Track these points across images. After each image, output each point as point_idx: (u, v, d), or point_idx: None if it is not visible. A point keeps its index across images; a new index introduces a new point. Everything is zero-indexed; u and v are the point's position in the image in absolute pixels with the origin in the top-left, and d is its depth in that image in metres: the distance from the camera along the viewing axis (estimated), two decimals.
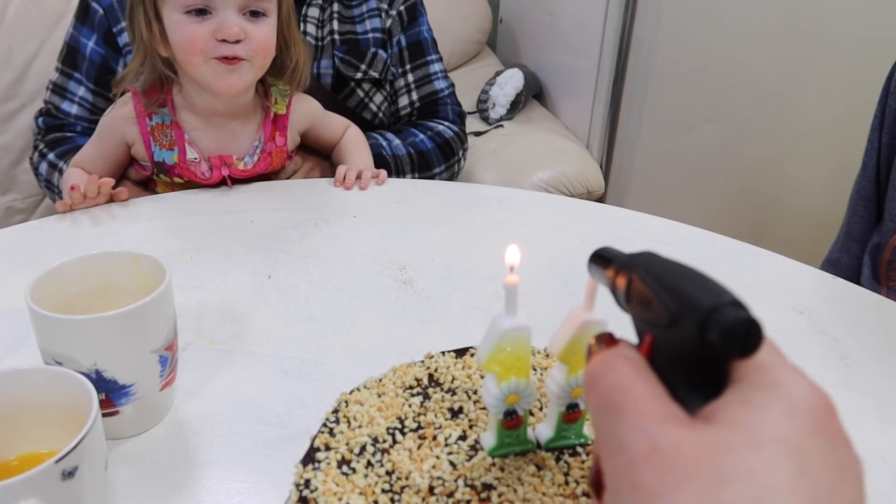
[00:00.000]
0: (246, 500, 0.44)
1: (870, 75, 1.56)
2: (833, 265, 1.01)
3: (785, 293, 0.72)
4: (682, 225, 0.84)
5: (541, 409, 0.37)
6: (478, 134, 1.55)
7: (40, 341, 0.44)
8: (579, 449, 0.35)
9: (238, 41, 0.77)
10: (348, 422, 0.37)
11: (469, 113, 1.63)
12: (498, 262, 0.74)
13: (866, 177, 0.95)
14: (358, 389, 0.40)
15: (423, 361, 0.43)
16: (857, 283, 0.96)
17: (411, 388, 0.40)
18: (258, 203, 0.83)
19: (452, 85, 1.17)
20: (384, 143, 1.04)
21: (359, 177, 0.88)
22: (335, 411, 0.38)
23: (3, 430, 0.38)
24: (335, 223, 0.79)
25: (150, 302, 0.45)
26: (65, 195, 0.79)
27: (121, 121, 0.85)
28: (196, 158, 0.84)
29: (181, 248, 0.73)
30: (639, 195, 1.54)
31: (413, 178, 1.08)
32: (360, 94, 1.08)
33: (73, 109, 1.04)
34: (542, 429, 0.35)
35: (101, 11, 1.03)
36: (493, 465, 0.34)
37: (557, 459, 0.34)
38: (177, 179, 0.85)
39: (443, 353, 0.43)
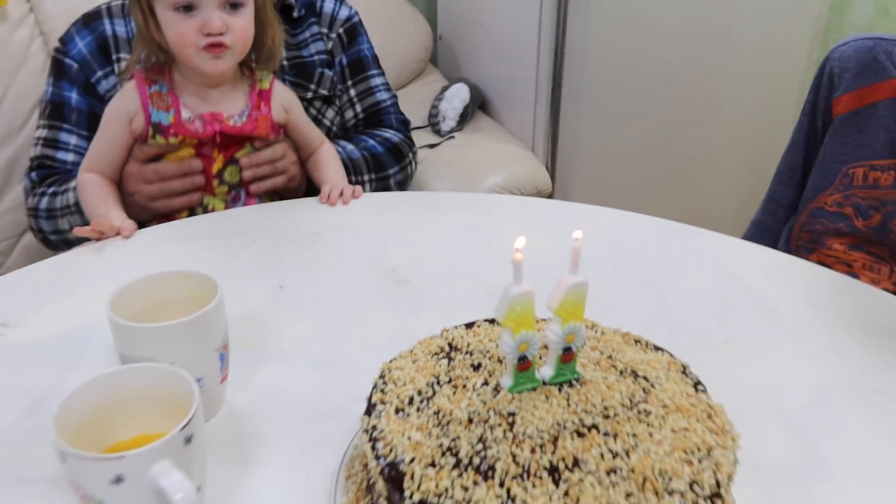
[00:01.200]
0: (305, 465, 0.54)
1: (775, 68, 1.75)
2: (758, 226, 1.15)
3: (718, 262, 0.86)
4: (625, 212, 0.97)
5: (540, 357, 0.48)
6: (432, 146, 1.66)
7: (122, 348, 0.53)
8: (574, 382, 0.47)
9: (221, 33, 0.88)
10: (394, 383, 0.48)
11: (421, 127, 1.75)
12: (475, 257, 0.86)
13: (795, 151, 1.08)
14: (395, 360, 0.51)
15: (441, 334, 0.53)
16: (777, 241, 1.11)
17: (437, 353, 0.51)
18: (257, 224, 0.92)
19: (395, 97, 1.27)
20: (340, 150, 1.12)
21: (341, 194, 0.98)
22: (382, 376, 0.49)
23: (118, 417, 0.47)
24: (328, 236, 0.89)
25: (211, 309, 0.54)
26: (84, 206, 0.93)
27: (123, 97, 0.94)
28: (190, 118, 0.93)
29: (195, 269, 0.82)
30: (583, 190, 1.68)
31: (371, 178, 1.17)
32: (313, 111, 1.17)
33: (69, 157, 1.09)
34: (546, 370, 0.47)
35: (75, 66, 1.09)
36: (513, 399, 0.45)
37: (560, 390, 0.46)
38: (172, 139, 0.93)
39: (455, 326, 0.54)
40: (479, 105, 1.81)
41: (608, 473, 0.40)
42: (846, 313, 0.76)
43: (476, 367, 0.49)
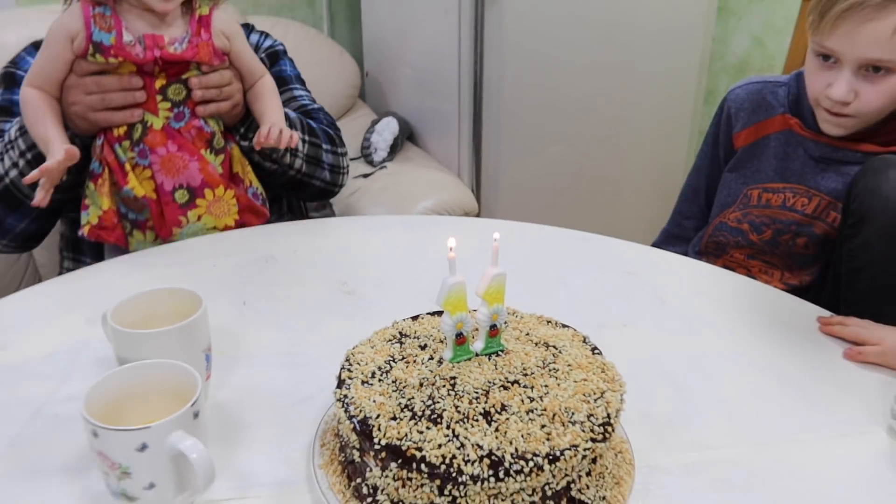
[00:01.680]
0: (285, 442, 0.65)
1: (670, 94, 1.96)
2: (665, 234, 1.31)
3: (620, 262, 1.01)
4: (541, 225, 1.12)
5: (472, 336, 0.61)
6: (366, 176, 1.79)
7: (123, 353, 0.63)
8: (500, 353, 0.60)
9: None
10: (357, 363, 0.59)
11: (355, 158, 1.88)
12: (414, 268, 0.98)
13: (699, 175, 1.24)
14: (356, 347, 0.62)
15: (392, 325, 0.66)
16: (687, 247, 1.28)
17: (390, 340, 0.63)
18: (215, 250, 1.02)
19: (322, 108, 1.31)
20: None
21: (280, 133, 1.01)
22: (347, 360, 0.60)
23: (135, 405, 0.57)
24: (282, 258, 1.00)
25: (199, 316, 0.65)
26: (26, 121, 0.97)
27: (67, 16, 0.96)
28: (131, 41, 0.96)
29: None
30: (506, 209, 1.83)
31: (304, 139, 1.19)
32: None
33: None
34: (477, 344, 0.59)
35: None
36: (454, 367, 0.57)
37: (489, 358, 0.59)
38: (111, 59, 0.96)
39: (403, 319, 0.67)
40: (407, 136, 1.95)
41: (527, 413, 0.53)
42: (724, 299, 0.93)
43: (423, 347, 0.61)
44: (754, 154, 1.12)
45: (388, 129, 1.81)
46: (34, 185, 0.92)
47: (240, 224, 1.08)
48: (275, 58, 1.29)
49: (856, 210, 0.90)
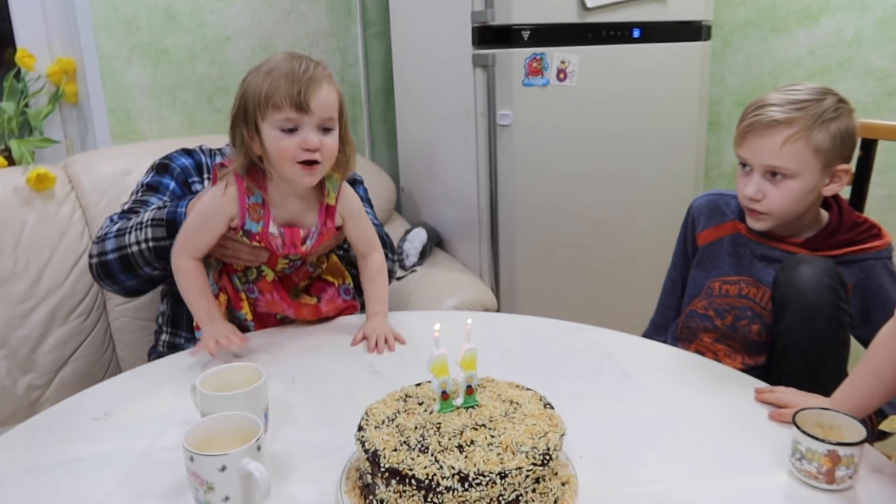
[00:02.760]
0: (321, 476, 0.87)
1: (669, 203, 2.20)
2: (653, 324, 1.53)
3: (597, 346, 1.23)
4: (550, 319, 1.34)
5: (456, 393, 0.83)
6: (398, 279, 2.05)
7: (206, 410, 0.87)
8: (475, 407, 0.82)
9: (316, 149, 1.11)
10: (373, 415, 0.82)
11: None
12: (426, 353, 1.20)
13: (676, 270, 1.48)
14: (373, 405, 0.86)
15: (400, 389, 0.89)
16: (666, 334, 1.48)
17: (398, 399, 0.86)
18: (273, 339, 1.27)
19: (381, 224, 1.59)
20: None
21: (386, 341, 1.22)
22: (366, 413, 0.84)
23: (217, 444, 0.81)
24: (325, 347, 1.25)
25: (260, 384, 0.90)
26: (185, 292, 1.19)
27: (227, 201, 1.16)
28: (275, 234, 1.19)
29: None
30: (522, 305, 2.06)
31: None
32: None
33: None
34: (458, 400, 0.82)
35: (178, 169, 1.44)
36: (440, 416, 0.80)
37: (466, 410, 0.81)
38: (255, 243, 1.19)
39: (409, 385, 0.90)
40: (436, 243, 2.22)
41: (488, 445, 0.75)
42: (680, 375, 1.13)
43: (420, 404, 0.84)
44: (713, 252, 1.34)
45: (417, 238, 2.08)
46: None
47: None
48: (353, 183, 1.54)
49: (778, 298, 1.11)
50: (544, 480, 0.76)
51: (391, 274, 1.51)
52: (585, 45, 1.96)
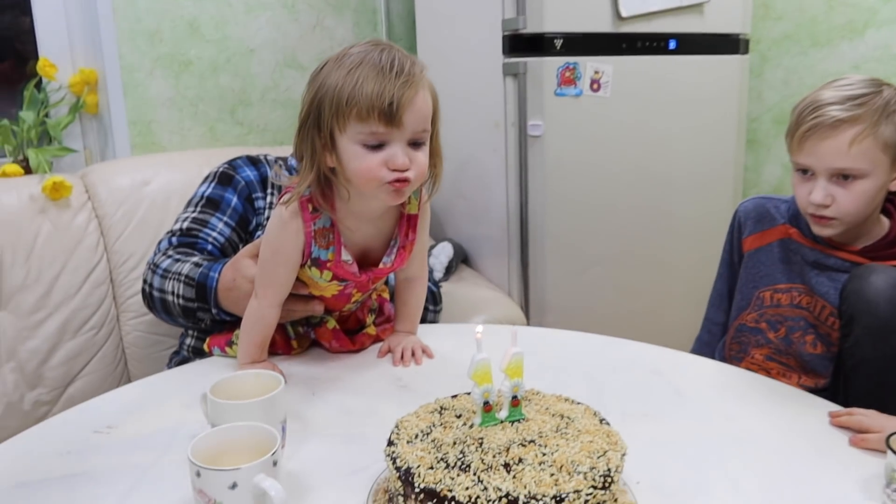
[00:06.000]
0: (344, 499, 0.77)
1: (707, 219, 2.10)
2: (699, 341, 1.42)
3: (649, 364, 1.12)
4: (589, 334, 1.25)
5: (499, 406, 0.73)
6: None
7: (216, 420, 0.78)
8: (521, 420, 0.72)
9: (406, 168, 0.93)
10: (404, 428, 0.73)
11: None
12: (461, 366, 1.12)
13: (722, 281, 1.37)
14: (404, 417, 0.76)
15: (434, 401, 0.79)
16: (714, 353, 1.37)
17: (432, 412, 0.76)
18: (291, 356, 1.18)
19: (433, 270, 1.51)
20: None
21: (413, 353, 1.12)
22: (396, 426, 0.74)
23: (228, 458, 0.71)
24: (348, 358, 1.15)
25: (278, 392, 0.80)
26: (246, 335, 1.05)
27: (293, 234, 0.99)
28: (349, 261, 1.01)
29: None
30: (553, 324, 1.95)
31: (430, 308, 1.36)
32: None
33: (212, 236, 1.26)
34: (502, 413, 0.72)
35: (242, 182, 1.32)
36: (482, 430, 0.70)
37: (511, 424, 0.71)
38: (325, 273, 1.01)
39: (444, 397, 0.80)
40: (462, 259, 2.13)
41: (540, 464, 0.65)
42: (738, 394, 1.02)
43: (458, 416, 0.74)
44: (760, 259, 1.24)
45: (443, 253, 1.99)
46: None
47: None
48: None
49: (845, 311, 1.00)
50: None
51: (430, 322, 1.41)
52: (620, 56, 1.88)
